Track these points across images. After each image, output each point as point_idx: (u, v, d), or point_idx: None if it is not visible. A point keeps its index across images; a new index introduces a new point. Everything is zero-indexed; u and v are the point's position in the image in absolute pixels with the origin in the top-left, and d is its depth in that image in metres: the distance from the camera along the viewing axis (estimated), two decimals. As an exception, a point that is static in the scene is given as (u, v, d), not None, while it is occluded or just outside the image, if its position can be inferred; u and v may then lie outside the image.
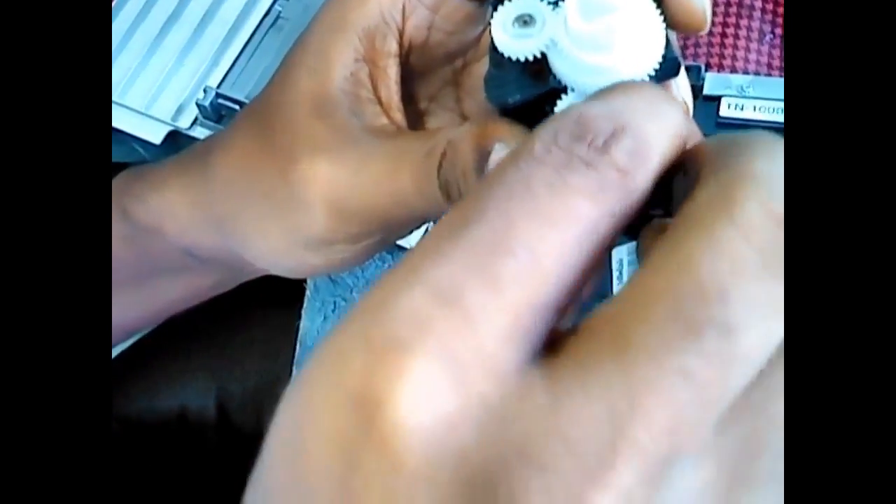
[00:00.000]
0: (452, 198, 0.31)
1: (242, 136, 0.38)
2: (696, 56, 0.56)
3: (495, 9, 0.30)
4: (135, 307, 0.47)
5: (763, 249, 0.19)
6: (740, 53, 0.56)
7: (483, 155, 0.30)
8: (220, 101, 0.55)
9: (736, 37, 0.56)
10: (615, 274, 0.43)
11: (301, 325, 0.56)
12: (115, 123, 0.56)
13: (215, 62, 0.58)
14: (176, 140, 0.56)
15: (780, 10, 0.57)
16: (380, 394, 0.18)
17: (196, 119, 0.56)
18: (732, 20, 0.56)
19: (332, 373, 0.19)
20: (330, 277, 0.57)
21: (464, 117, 0.39)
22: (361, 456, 0.18)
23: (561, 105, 0.29)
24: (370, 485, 0.18)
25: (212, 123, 0.56)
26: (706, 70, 0.53)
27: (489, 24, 0.30)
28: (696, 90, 0.52)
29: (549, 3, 0.29)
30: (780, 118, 0.52)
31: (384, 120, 0.35)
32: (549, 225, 0.19)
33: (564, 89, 0.29)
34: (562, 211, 0.20)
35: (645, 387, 0.18)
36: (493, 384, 0.18)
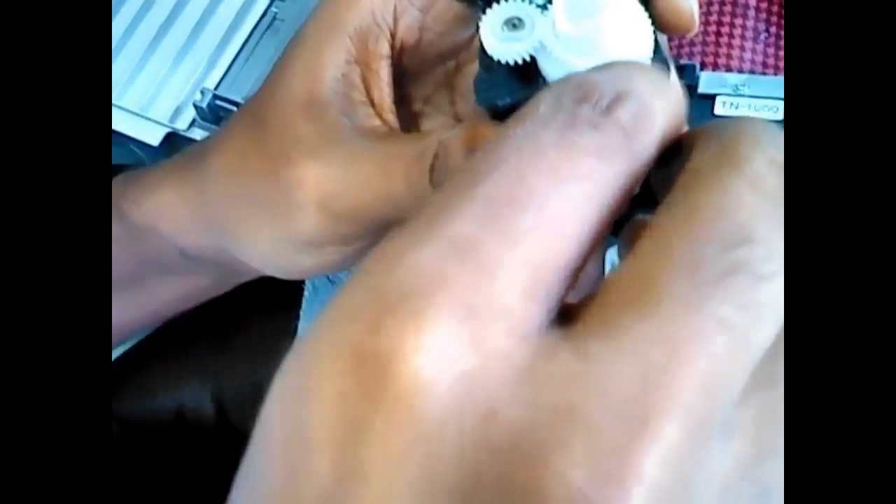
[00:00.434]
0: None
1: (236, 137, 0.38)
2: (690, 55, 0.56)
3: (484, 12, 0.30)
4: (131, 309, 0.47)
5: (773, 198, 0.19)
6: (735, 52, 0.56)
7: (473, 157, 0.30)
8: (218, 102, 0.55)
9: (731, 35, 0.56)
10: (608, 270, 0.43)
11: (299, 325, 0.56)
12: (113, 125, 0.57)
13: (212, 64, 0.58)
14: (174, 142, 0.56)
15: (775, 8, 0.57)
16: (392, 348, 0.17)
17: (194, 121, 0.56)
18: (727, 19, 0.56)
19: (338, 328, 0.18)
20: (328, 278, 0.57)
21: (458, 119, 0.39)
22: (369, 418, 0.17)
23: (550, 107, 0.29)
24: (377, 452, 0.17)
25: (209, 125, 0.56)
26: (701, 69, 0.53)
27: (478, 25, 0.30)
28: (691, 89, 0.52)
29: (537, 6, 0.29)
30: (776, 116, 0.52)
31: (376, 121, 0.35)
32: (561, 181, 0.19)
33: (553, 91, 0.29)
34: (571, 169, 0.19)
35: (682, 337, 0.17)
36: (516, 343, 0.18)
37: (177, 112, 0.57)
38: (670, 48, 0.54)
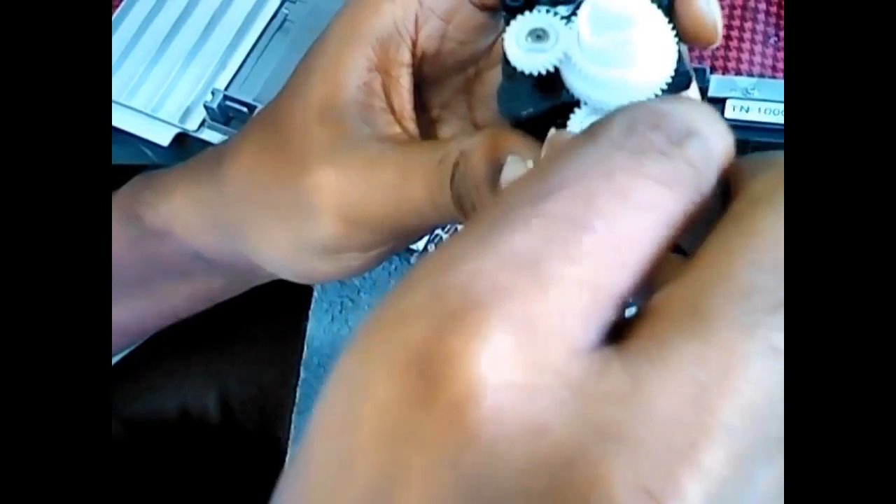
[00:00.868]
0: (465, 209, 0.31)
1: (253, 142, 0.38)
2: (700, 58, 0.56)
3: (508, 23, 0.30)
4: (144, 310, 0.47)
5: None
6: (745, 56, 0.56)
7: (495, 167, 0.30)
8: (228, 103, 0.55)
9: (741, 39, 0.56)
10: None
11: (308, 326, 0.56)
12: (123, 125, 0.57)
13: (223, 65, 0.58)
14: (183, 142, 0.57)
15: (784, 13, 0.57)
16: (451, 354, 0.17)
17: (204, 121, 0.56)
18: (737, 23, 0.57)
19: (396, 327, 0.18)
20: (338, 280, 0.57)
21: (476, 125, 0.39)
22: (420, 422, 0.17)
23: (573, 119, 0.29)
24: (424, 456, 0.17)
25: (219, 125, 0.56)
26: (711, 72, 0.53)
27: (501, 34, 0.30)
28: (702, 92, 0.52)
29: (561, 17, 0.29)
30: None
31: (396, 129, 0.35)
32: (630, 206, 0.19)
33: (577, 103, 0.29)
34: (641, 195, 0.19)
35: (732, 361, 0.17)
36: (570, 360, 0.18)
37: (187, 112, 0.57)
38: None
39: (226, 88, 0.57)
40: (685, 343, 0.18)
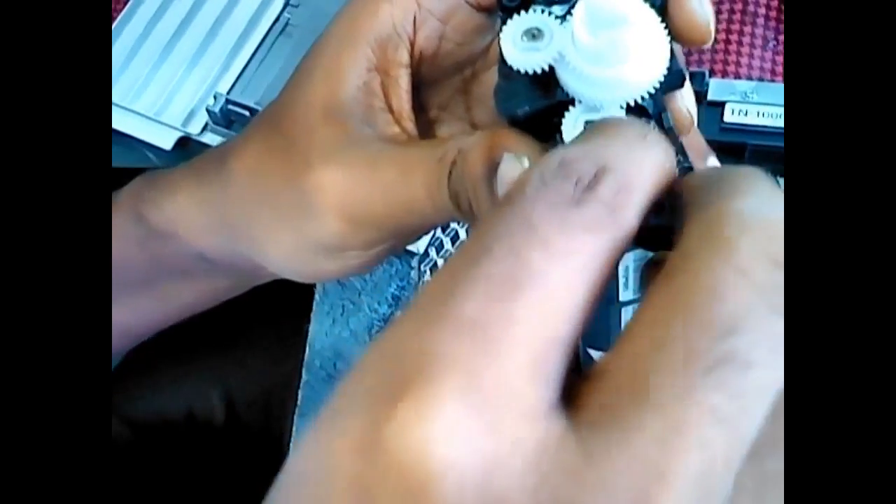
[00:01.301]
0: (462, 207, 0.32)
1: (256, 142, 0.38)
2: (700, 62, 0.57)
3: (504, 22, 0.30)
4: (148, 311, 0.48)
5: (763, 287, 0.19)
6: (744, 60, 0.56)
7: (492, 165, 0.30)
8: (231, 106, 0.56)
9: (740, 43, 0.57)
10: (621, 280, 0.43)
11: (310, 328, 0.57)
12: (126, 129, 0.57)
13: (225, 68, 0.58)
14: (186, 146, 0.57)
15: (783, 17, 0.57)
16: (404, 436, 0.17)
17: (206, 125, 0.57)
18: (736, 27, 0.57)
19: (348, 416, 0.18)
20: (338, 280, 0.57)
21: (473, 125, 0.39)
22: None
23: (568, 117, 0.29)
24: None
25: (222, 129, 0.57)
26: (710, 76, 0.53)
27: (498, 35, 0.31)
28: (701, 96, 0.52)
29: (556, 17, 0.30)
30: (783, 123, 0.52)
31: (395, 129, 0.36)
32: (555, 256, 0.20)
33: (572, 101, 0.30)
34: (563, 243, 0.20)
35: (676, 428, 0.18)
36: (526, 428, 0.18)
37: (190, 116, 0.58)
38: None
39: (228, 92, 0.57)
40: (629, 413, 0.18)
